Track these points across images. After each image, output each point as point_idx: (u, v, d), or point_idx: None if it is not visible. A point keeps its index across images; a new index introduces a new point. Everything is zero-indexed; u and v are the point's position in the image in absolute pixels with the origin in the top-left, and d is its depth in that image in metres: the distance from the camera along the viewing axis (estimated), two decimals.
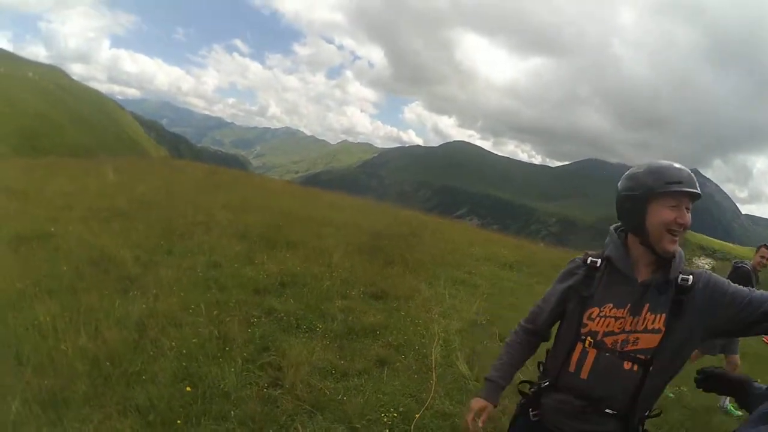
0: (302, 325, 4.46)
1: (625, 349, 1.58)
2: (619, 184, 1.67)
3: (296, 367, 3.45)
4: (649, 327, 1.56)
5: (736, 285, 1.55)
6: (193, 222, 7.94)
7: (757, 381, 1.59)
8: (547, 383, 1.74)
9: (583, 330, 1.64)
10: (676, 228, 1.55)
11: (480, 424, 1.81)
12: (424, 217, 17.36)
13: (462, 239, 13.06)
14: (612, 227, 1.76)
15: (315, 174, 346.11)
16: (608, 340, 1.60)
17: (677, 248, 1.60)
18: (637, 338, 1.57)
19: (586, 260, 1.71)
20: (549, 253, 15.22)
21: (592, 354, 1.62)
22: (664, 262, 1.60)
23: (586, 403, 1.64)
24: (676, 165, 1.58)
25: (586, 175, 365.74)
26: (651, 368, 1.55)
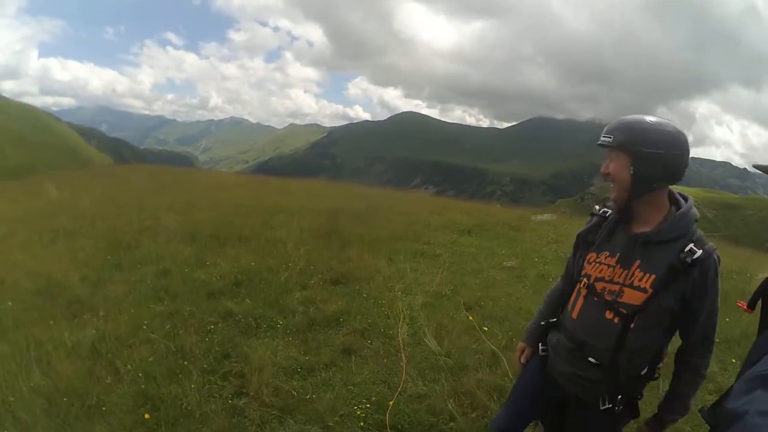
0: (262, 324, 4.23)
1: (611, 298, 1.65)
2: None
3: (260, 371, 3.28)
4: (636, 284, 1.61)
5: (716, 302, 1.63)
6: (139, 229, 7.51)
7: None
8: (555, 320, 1.92)
9: (582, 272, 1.77)
10: (603, 175, 1.67)
11: (522, 360, 2.08)
12: (379, 192, 17.21)
13: (419, 210, 12.97)
14: None
15: (265, 161, 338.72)
16: (598, 286, 1.69)
17: (612, 198, 1.68)
18: (623, 291, 1.63)
19: (600, 210, 1.81)
20: (506, 213, 15.39)
21: (582, 295, 1.75)
22: (663, 218, 1.64)
23: (573, 345, 1.75)
24: (626, 116, 1.62)
25: (535, 134, 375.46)
26: (631, 325, 1.61)
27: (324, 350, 3.80)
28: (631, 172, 1.58)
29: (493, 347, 3.96)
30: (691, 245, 1.56)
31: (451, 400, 3.17)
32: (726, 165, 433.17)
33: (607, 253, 1.71)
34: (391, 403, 3.06)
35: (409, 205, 14.17)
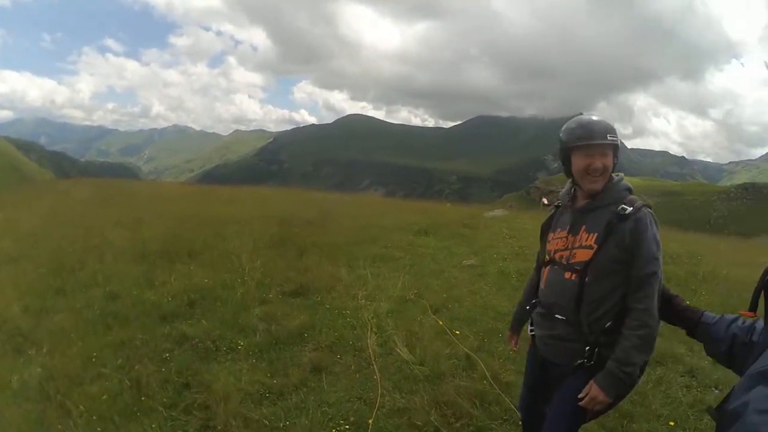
0: (221, 347, 3.88)
1: (566, 262, 1.96)
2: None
3: (225, 401, 2.97)
4: (584, 243, 1.93)
5: (651, 247, 1.84)
6: (84, 249, 6.92)
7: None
8: (535, 300, 2.17)
9: (546, 251, 2.10)
10: (592, 171, 1.92)
11: (515, 347, 2.46)
12: (330, 196, 16.93)
13: (372, 212, 12.84)
14: None
15: (211, 170, 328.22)
16: (557, 256, 2.02)
17: (596, 186, 1.94)
18: (575, 253, 1.95)
19: (555, 202, 2.24)
20: (457, 211, 15.56)
21: (547, 268, 2.08)
22: (595, 194, 1.97)
23: (544, 310, 2.06)
24: (591, 119, 1.97)
25: (480, 132, 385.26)
26: (586, 278, 1.88)
27: (292, 370, 3.53)
28: (615, 162, 1.97)
29: (467, 351, 3.86)
30: (623, 204, 1.89)
31: (433, 412, 3.01)
32: (665, 154, 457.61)
33: (560, 228, 2.06)
34: (370, 421, 2.87)
35: (362, 208, 14.03)
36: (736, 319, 1.62)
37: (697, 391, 3.70)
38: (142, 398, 3.05)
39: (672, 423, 3.15)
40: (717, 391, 3.71)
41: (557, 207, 2.18)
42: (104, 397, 3.05)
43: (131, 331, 4.08)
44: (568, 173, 2.02)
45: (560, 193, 2.18)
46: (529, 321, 2.21)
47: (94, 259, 6.32)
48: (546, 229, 2.18)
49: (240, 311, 4.58)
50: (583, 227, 1.95)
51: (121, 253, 6.61)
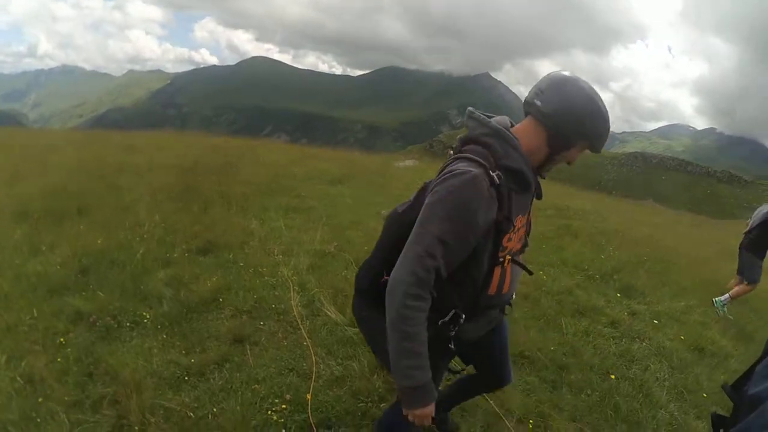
0: (123, 322, 3.24)
1: (523, 247, 1.66)
2: (579, 99, 1.43)
3: (137, 390, 2.46)
4: (519, 226, 1.56)
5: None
6: None
7: None
8: (462, 317, 1.54)
9: (501, 253, 1.49)
10: (564, 164, 1.58)
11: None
12: (233, 142, 15.66)
13: (280, 159, 12.08)
14: (498, 125, 1.49)
15: (102, 114, 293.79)
16: (519, 247, 1.62)
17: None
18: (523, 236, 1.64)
19: (491, 180, 1.38)
20: (368, 160, 15.29)
21: (509, 268, 1.57)
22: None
23: (500, 309, 1.75)
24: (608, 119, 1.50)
25: (387, 82, 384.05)
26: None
27: (210, 344, 3.06)
28: None
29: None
30: None
31: (375, 377, 2.78)
32: None
33: (520, 215, 1.53)
34: (309, 396, 2.55)
35: (269, 154, 13.17)
36: None
37: (622, 341, 3.93)
38: (40, 399, 2.42)
39: (613, 376, 3.30)
40: (643, 343, 3.96)
41: (499, 187, 1.41)
42: None
43: (15, 313, 3.26)
44: (554, 149, 1.48)
45: (513, 163, 1.45)
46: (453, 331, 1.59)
47: None
48: (501, 222, 1.45)
49: (141, 276, 3.89)
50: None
51: None
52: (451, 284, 1.46)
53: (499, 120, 1.55)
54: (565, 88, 1.44)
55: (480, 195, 1.35)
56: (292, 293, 3.80)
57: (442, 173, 1.42)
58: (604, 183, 46.22)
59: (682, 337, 4.22)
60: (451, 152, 1.53)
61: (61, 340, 3.00)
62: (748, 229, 5.51)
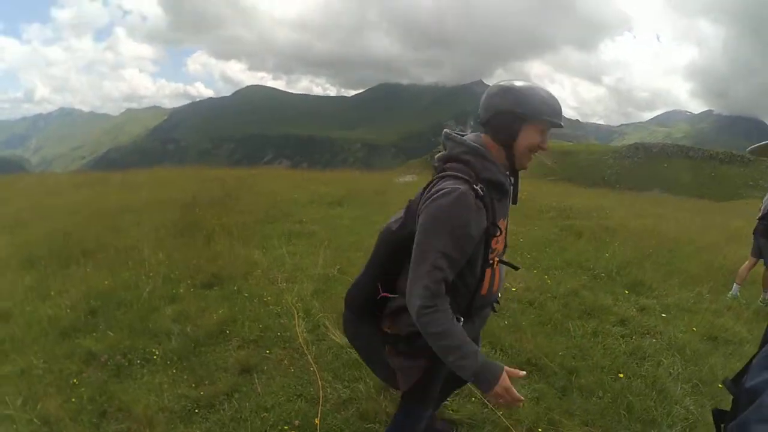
0: (134, 359, 3.32)
1: (505, 250, 1.77)
2: (497, 96, 1.59)
3: (150, 426, 2.54)
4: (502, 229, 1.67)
5: None
6: None
7: None
8: (461, 320, 1.64)
9: (491, 255, 1.63)
10: (537, 150, 1.63)
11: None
12: (233, 173, 15.84)
13: (280, 186, 12.21)
14: (473, 143, 1.62)
15: (103, 154, 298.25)
16: (502, 248, 1.73)
17: (527, 165, 1.67)
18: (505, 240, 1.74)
19: (476, 194, 1.52)
20: (368, 179, 15.40)
21: (497, 269, 1.71)
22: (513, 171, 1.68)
23: (491, 307, 1.86)
24: (553, 94, 1.59)
25: (382, 100, 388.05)
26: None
27: (218, 375, 3.10)
28: None
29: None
30: None
31: (381, 397, 2.79)
32: None
33: (502, 219, 1.67)
34: (317, 421, 2.58)
35: (269, 182, 13.32)
36: None
37: (632, 339, 3.87)
38: None
39: (621, 375, 3.25)
40: (654, 338, 3.91)
41: (483, 198, 1.55)
42: None
43: (29, 356, 3.36)
44: (506, 143, 1.60)
45: (489, 174, 1.59)
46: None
47: None
48: (489, 228, 1.59)
49: (149, 314, 3.97)
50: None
51: (5, 262, 5.59)
52: (447, 293, 1.55)
53: (472, 138, 1.66)
54: (486, 95, 1.63)
55: (469, 209, 1.49)
56: (296, 320, 3.82)
57: (431, 192, 1.54)
58: (607, 178, 46.02)
59: (694, 329, 4.16)
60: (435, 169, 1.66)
61: (75, 380, 3.07)
62: (761, 214, 5.45)
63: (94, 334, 3.68)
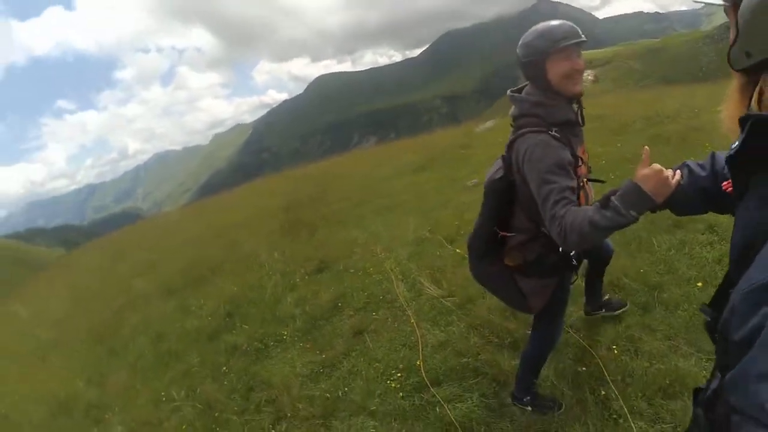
0: (269, 342, 4.12)
1: (589, 171, 2.06)
2: (519, 49, 1.88)
3: (287, 390, 3.25)
4: (583, 158, 1.95)
5: None
6: (116, 309, 7.37)
7: None
8: None
9: (579, 180, 1.88)
10: (574, 73, 1.82)
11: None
12: (322, 164, 16.85)
13: (367, 166, 12.81)
14: (529, 96, 1.91)
15: (205, 182, 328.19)
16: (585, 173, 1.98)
17: (580, 88, 1.87)
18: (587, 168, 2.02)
19: (554, 137, 1.80)
20: (450, 135, 15.38)
21: (587, 187, 1.99)
22: (579, 96, 1.90)
23: None
24: (556, 23, 1.82)
25: (450, 50, 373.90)
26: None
27: (336, 341, 3.72)
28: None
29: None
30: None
31: (472, 335, 3.18)
32: (638, 15, 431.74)
33: (580, 147, 1.94)
34: (419, 362, 3.04)
35: (356, 165, 13.98)
36: (690, 170, 1.45)
37: (720, 245, 3.66)
38: (216, 414, 3.31)
39: (700, 284, 3.13)
40: None
41: (560, 139, 1.82)
42: (184, 427, 3.34)
43: (186, 359, 4.39)
44: (544, 84, 1.84)
45: (561, 116, 1.85)
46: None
47: (129, 314, 6.70)
48: (572, 160, 1.83)
49: (275, 305, 4.78)
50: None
51: (150, 298, 6.96)
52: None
53: (528, 91, 1.94)
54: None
55: (556, 148, 1.77)
56: (396, 283, 4.31)
57: (523, 153, 1.81)
58: (705, 68, 40.11)
59: None
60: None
61: (224, 369, 3.95)
62: None
63: (233, 331, 4.60)
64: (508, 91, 2.00)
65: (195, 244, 9.28)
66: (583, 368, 2.64)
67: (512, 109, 1.97)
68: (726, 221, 4.04)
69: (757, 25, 0.77)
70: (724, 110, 0.90)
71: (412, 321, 3.54)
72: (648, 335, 2.79)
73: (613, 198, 1.52)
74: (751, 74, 0.83)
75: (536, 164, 1.74)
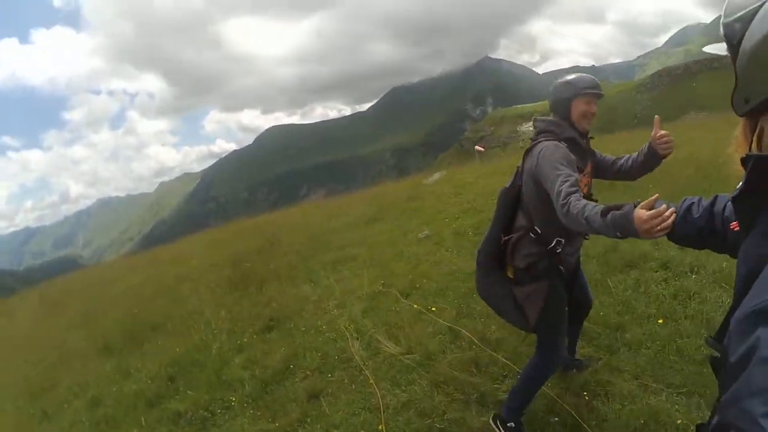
0: (215, 410, 3.73)
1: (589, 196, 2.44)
2: (552, 90, 2.46)
3: None
4: (586, 171, 2.47)
5: None
6: (49, 365, 6.63)
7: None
8: (563, 240, 2.37)
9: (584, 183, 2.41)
10: (589, 115, 2.40)
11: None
12: (270, 216, 16.48)
13: (317, 218, 12.61)
14: (548, 120, 2.46)
15: (149, 231, 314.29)
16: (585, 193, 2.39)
17: (588, 126, 2.42)
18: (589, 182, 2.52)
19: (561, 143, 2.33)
20: (399, 187, 15.55)
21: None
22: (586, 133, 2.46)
23: (583, 236, 2.53)
24: (584, 75, 2.44)
25: (398, 103, 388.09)
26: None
27: (290, 407, 3.43)
28: None
29: (447, 323, 3.87)
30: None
31: (435, 394, 3.02)
32: (575, 69, 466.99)
33: (584, 164, 2.42)
34: (381, 426, 2.84)
35: (306, 216, 13.76)
36: (689, 207, 1.56)
37: (675, 281, 3.84)
38: None
39: (660, 320, 3.26)
40: (694, 276, 3.88)
41: (565, 146, 2.32)
42: None
43: (125, 428, 3.89)
44: (566, 117, 2.39)
45: (567, 134, 2.36)
46: (560, 249, 2.38)
47: (62, 372, 6.00)
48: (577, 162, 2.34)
49: (221, 368, 4.39)
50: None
51: (86, 354, 6.28)
52: (550, 220, 2.21)
53: (549, 119, 2.47)
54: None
55: (563, 148, 2.27)
56: (351, 341, 4.10)
57: (537, 154, 2.28)
58: (639, 115, 43.72)
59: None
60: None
61: None
62: None
63: (177, 396, 4.14)
64: (535, 117, 2.61)
65: (136, 297, 8.58)
66: (555, 418, 2.60)
67: (534, 129, 2.51)
68: (678, 255, 4.20)
69: (751, 71, 0.81)
70: (730, 154, 0.94)
71: (371, 381, 3.34)
72: (616, 377, 2.85)
73: (609, 215, 1.75)
74: (751, 118, 0.88)
75: (549, 157, 2.20)
